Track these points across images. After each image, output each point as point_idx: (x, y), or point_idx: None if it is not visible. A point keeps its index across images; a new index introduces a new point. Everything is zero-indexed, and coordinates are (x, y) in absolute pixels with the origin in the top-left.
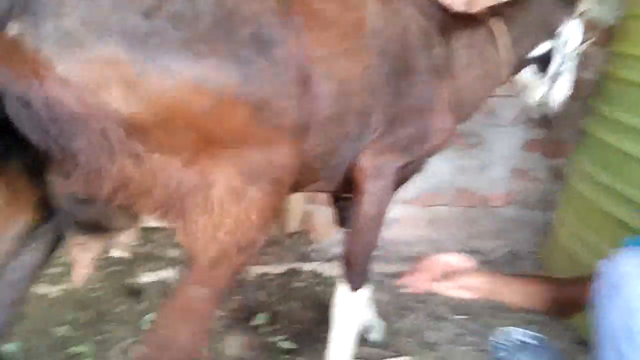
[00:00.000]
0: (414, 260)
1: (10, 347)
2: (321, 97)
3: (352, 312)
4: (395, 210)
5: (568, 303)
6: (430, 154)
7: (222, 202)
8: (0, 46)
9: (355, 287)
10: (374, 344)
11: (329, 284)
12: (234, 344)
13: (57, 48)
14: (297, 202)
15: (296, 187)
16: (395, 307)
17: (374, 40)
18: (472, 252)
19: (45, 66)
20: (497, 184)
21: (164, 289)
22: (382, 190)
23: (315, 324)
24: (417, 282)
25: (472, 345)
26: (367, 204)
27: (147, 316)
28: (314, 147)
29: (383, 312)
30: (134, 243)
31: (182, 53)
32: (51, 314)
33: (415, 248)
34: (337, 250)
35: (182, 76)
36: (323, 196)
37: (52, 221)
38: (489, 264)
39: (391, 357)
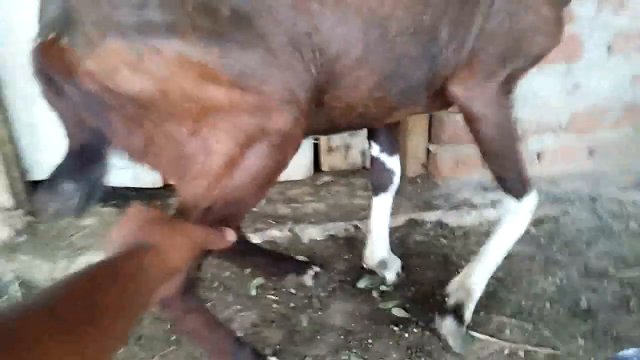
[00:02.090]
0: (568, 202)
1: None
2: (342, 37)
3: (520, 221)
4: (544, 141)
5: None
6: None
7: (217, 166)
8: (55, 52)
9: (518, 194)
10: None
11: (454, 236)
12: (339, 312)
13: (83, 48)
14: (418, 141)
15: (375, 118)
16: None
17: None
18: None
19: (77, 63)
20: None
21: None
22: (493, 108)
23: (436, 286)
24: None
25: None
26: (483, 126)
27: (254, 281)
28: (362, 80)
29: None
30: None
31: (168, 33)
32: None
33: (572, 184)
34: (464, 195)
35: (168, 53)
36: (448, 133)
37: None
38: None
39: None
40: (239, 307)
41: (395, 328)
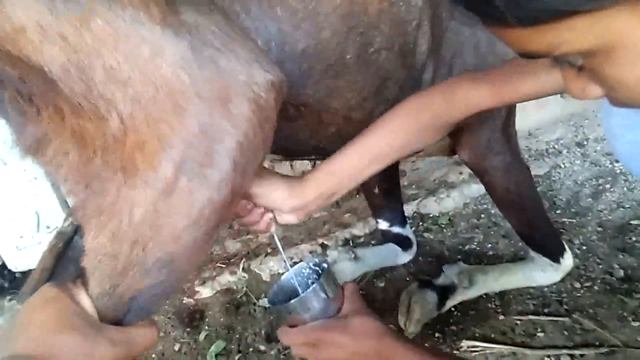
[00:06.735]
0: (554, 153)
1: None
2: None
3: (552, 279)
4: None
5: None
6: None
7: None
8: None
9: (553, 254)
10: None
11: (439, 226)
12: None
13: None
14: None
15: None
16: None
17: None
18: None
19: None
20: None
21: None
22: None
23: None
24: None
25: None
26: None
27: (212, 348)
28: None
29: None
30: None
31: None
32: None
33: (553, 134)
34: (436, 175)
35: (94, 20)
36: None
37: None
38: None
39: None
40: None
41: None
